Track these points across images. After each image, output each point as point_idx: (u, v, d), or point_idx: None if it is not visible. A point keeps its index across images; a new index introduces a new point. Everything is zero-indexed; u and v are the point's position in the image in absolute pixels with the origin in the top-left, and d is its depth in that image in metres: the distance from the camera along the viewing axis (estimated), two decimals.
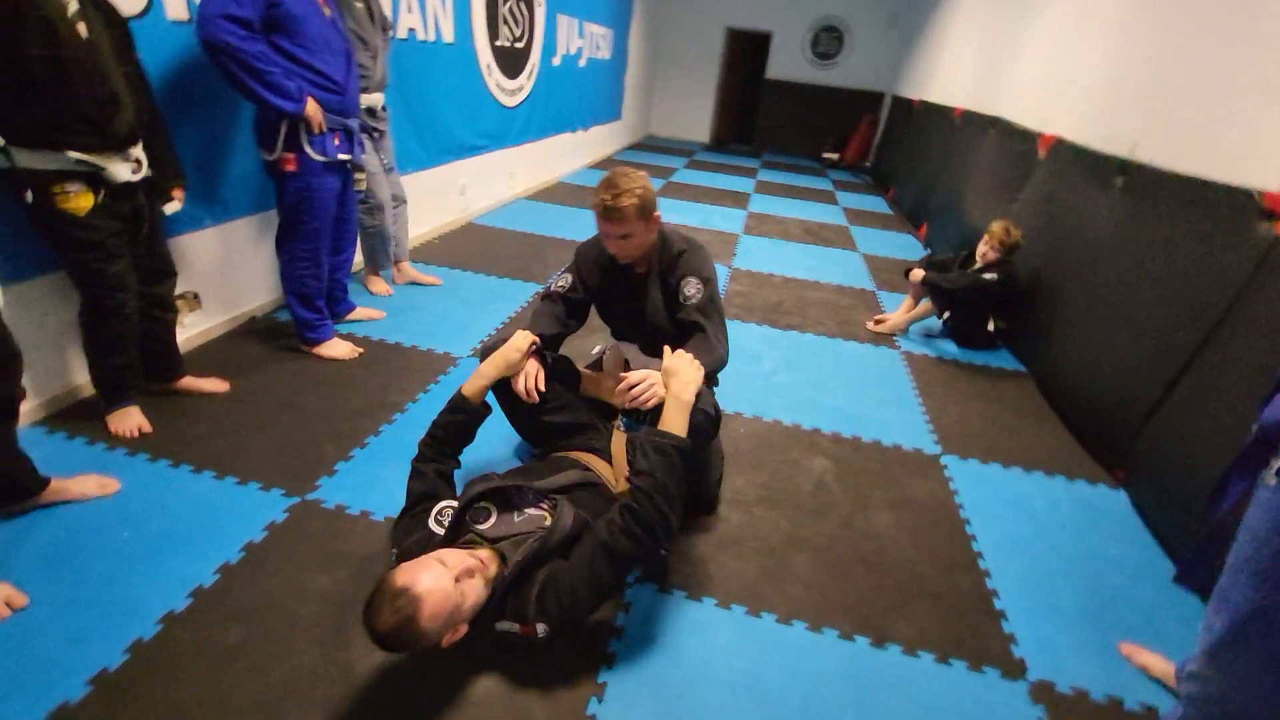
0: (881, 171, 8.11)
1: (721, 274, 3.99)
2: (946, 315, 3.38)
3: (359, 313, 2.85)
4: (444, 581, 1.17)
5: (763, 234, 5.19)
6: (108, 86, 1.62)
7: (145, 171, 1.80)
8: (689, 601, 1.61)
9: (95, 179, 1.67)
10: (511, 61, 4.85)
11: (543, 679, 1.37)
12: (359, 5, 2.57)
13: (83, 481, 1.70)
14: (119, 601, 1.42)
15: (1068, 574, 1.84)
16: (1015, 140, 3.91)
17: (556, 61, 5.72)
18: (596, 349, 2.23)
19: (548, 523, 1.39)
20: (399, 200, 3.10)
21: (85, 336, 1.85)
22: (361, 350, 2.59)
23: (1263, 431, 1.10)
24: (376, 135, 2.82)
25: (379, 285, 3.16)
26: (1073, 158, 3.13)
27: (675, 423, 1.42)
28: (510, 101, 4.95)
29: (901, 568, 1.80)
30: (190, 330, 2.48)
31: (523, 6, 4.86)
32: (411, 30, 3.53)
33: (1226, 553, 1.13)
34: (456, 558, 1.24)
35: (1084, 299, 2.73)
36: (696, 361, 1.52)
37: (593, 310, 2.01)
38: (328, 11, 2.21)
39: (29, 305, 1.89)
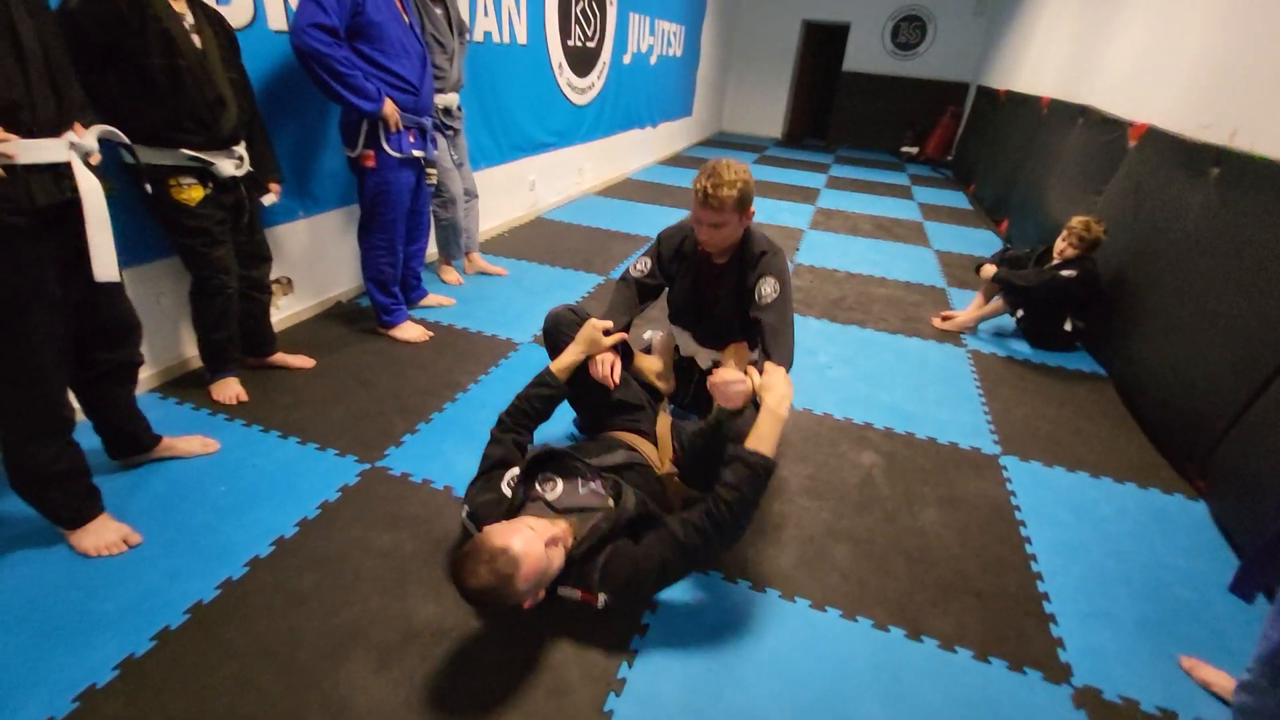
0: (963, 165, 7.75)
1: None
2: (1020, 314, 3.24)
3: (431, 299, 3.04)
4: (536, 546, 1.26)
5: (830, 229, 5.10)
6: (216, 91, 1.83)
7: (247, 167, 2.00)
8: (723, 582, 1.66)
9: (204, 173, 1.89)
10: (582, 60, 4.98)
11: (576, 643, 1.45)
12: (438, 11, 2.74)
13: (188, 441, 1.93)
14: (214, 545, 1.62)
15: (1128, 582, 1.75)
16: (1103, 129, 3.68)
17: (627, 60, 5.81)
18: (647, 334, 2.29)
19: (609, 503, 1.47)
20: (471, 195, 3.27)
21: (193, 313, 2.09)
22: (432, 334, 2.77)
23: None
24: (451, 133, 2.99)
25: (450, 274, 3.35)
26: (1164, 147, 2.92)
27: (768, 438, 1.43)
28: (580, 100, 5.09)
29: (945, 564, 1.77)
30: (284, 312, 2.73)
31: (594, 6, 4.98)
32: (487, 33, 3.71)
33: None
34: (543, 525, 1.33)
35: (1169, 297, 2.55)
36: (788, 378, 1.55)
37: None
38: (406, 18, 2.37)
39: (148, 285, 2.15)
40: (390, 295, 2.67)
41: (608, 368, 1.76)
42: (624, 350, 1.99)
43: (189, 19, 1.77)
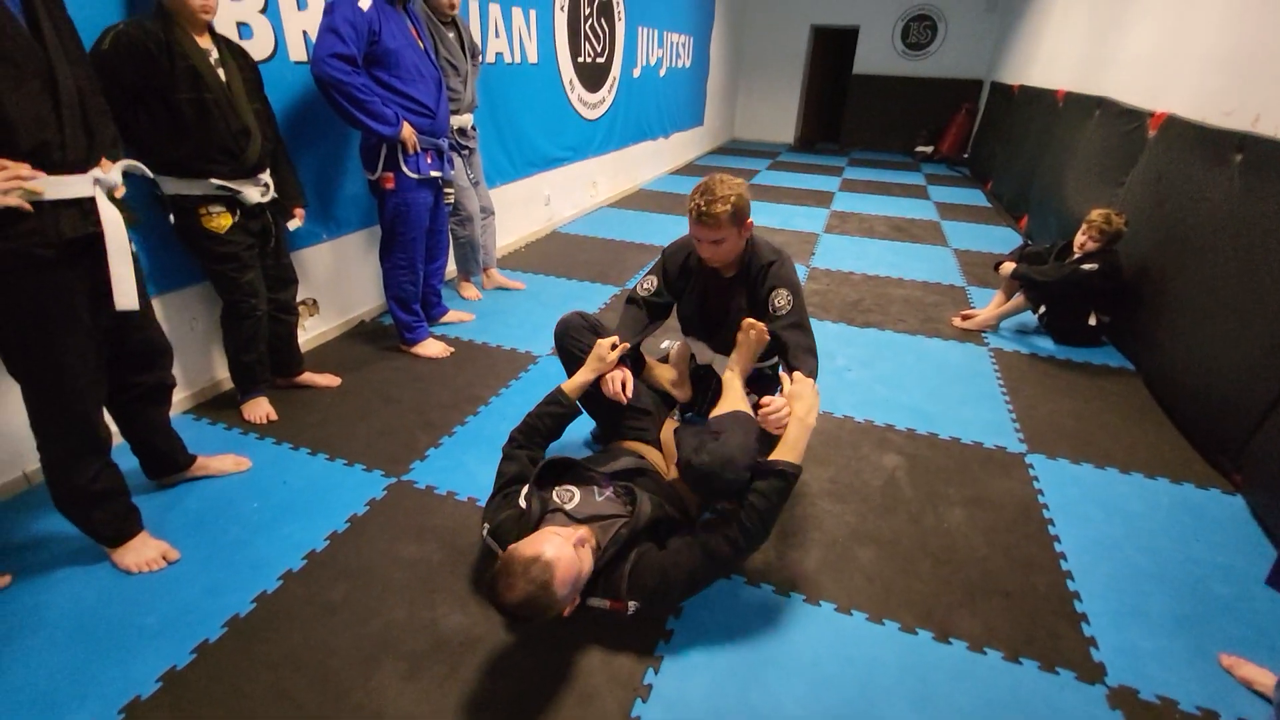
0: (980, 162, 7.67)
1: (799, 273, 3.97)
2: (1042, 310, 3.19)
3: (451, 316, 3.10)
4: (566, 550, 1.28)
5: (844, 232, 5.08)
6: (241, 122, 1.90)
7: (272, 194, 2.08)
8: (747, 587, 1.66)
9: (232, 201, 1.96)
10: (593, 76, 5.06)
11: (603, 650, 1.46)
12: (451, 35, 2.81)
13: (222, 460, 1.99)
14: (248, 560, 1.67)
15: (1162, 580, 1.72)
16: (1122, 120, 3.62)
17: (637, 73, 5.88)
18: (665, 344, 2.31)
19: (626, 509, 1.49)
20: (487, 212, 3.33)
21: (224, 336, 2.16)
22: (453, 350, 2.82)
23: None
24: (466, 153, 3.06)
25: (469, 290, 3.41)
26: (1186, 135, 2.87)
27: (796, 446, 1.49)
28: (592, 114, 5.16)
29: (972, 565, 1.75)
30: (310, 332, 2.81)
31: (604, 22, 5.06)
32: (499, 54, 3.79)
33: None
34: (567, 530, 1.36)
35: (1197, 287, 2.50)
36: (816, 387, 1.60)
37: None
38: (421, 44, 2.45)
39: (181, 311, 2.23)
40: (412, 313, 2.73)
41: (618, 385, 1.79)
42: (637, 360, 2.01)
43: (214, 54, 1.85)
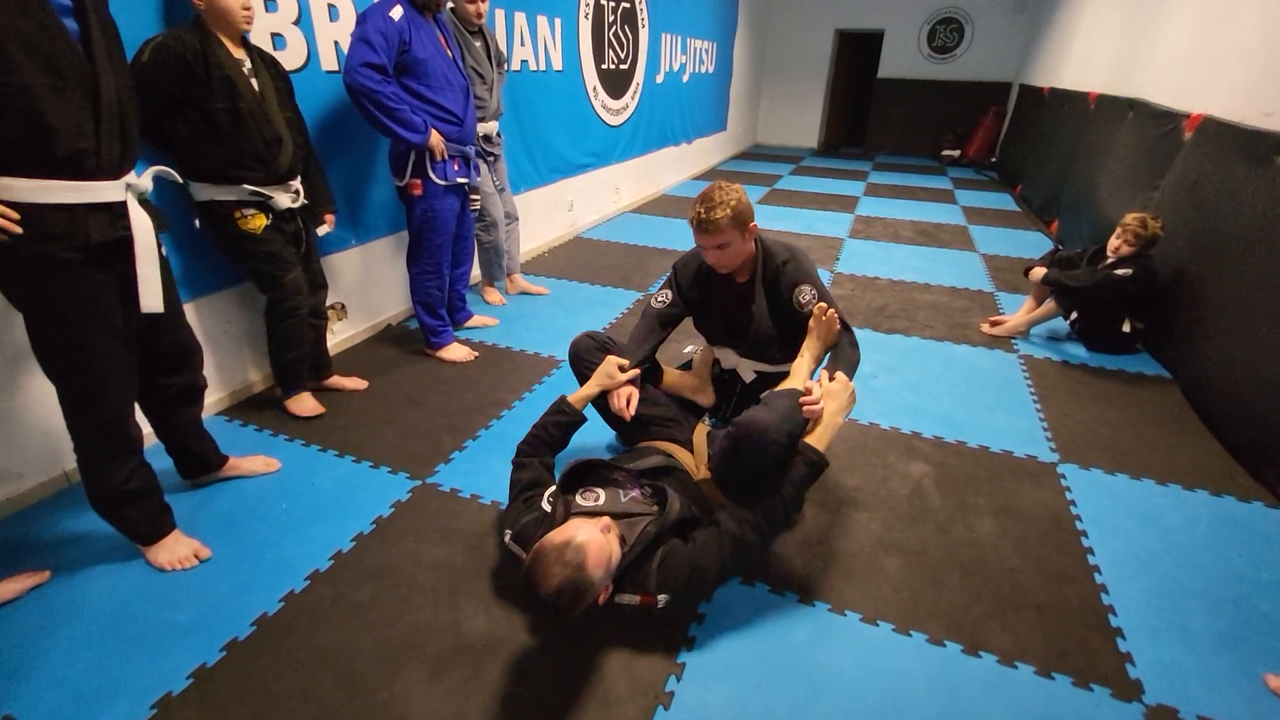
0: (1008, 166, 7.54)
1: (823, 278, 3.93)
2: (1074, 316, 3.12)
3: (476, 320, 3.13)
4: (595, 534, 1.30)
5: (869, 237, 5.03)
6: (274, 130, 1.95)
7: (302, 200, 2.12)
8: (771, 595, 1.64)
9: (264, 206, 2.00)
10: (616, 82, 5.08)
11: (625, 656, 1.45)
12: (478, 44, 2.85)
13: (252, 461, 2.03)
14: (277, 559, 1.69)
15: (1203, 595, 1.66)
16: (1156, 122, 3.53)
17: (660, 79, 5.90)
18: (689, 348, 2.31)
19: (653, 509, 1.50)
20: (512, 218, 3.36)
21: (268, 334, 2.21)
22: (477, 354, 2.85)
23: None
24: (492, 159, 3.09)
25: (494, 295, 3.44)
26: (1223, 137, 2.79)
27: (824, 439, 1.56)
28: (615, 120, 5.18)
29: (1002, 577, 1.71)
30: (338, 336, 2.85)
31: (627, 30, 5.08)
32: (524, 62, 3.83)
33: None
34: (593, 518, 1.38)
35: (1236, 292, 2.43)
36: (852, 387, 1.65)
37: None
38: (449, 53, 2.48)
39: (216, 314, 2.29)
40: (438, 318, 2.76)
41: (624, 400, 1.81)
42: (653, 370, 2.01)
43: (247, 64, 1.90)
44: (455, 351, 2.80)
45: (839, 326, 1.80)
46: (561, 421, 1.77)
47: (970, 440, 2.32)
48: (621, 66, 5.12)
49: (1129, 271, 2.82)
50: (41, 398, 1.80)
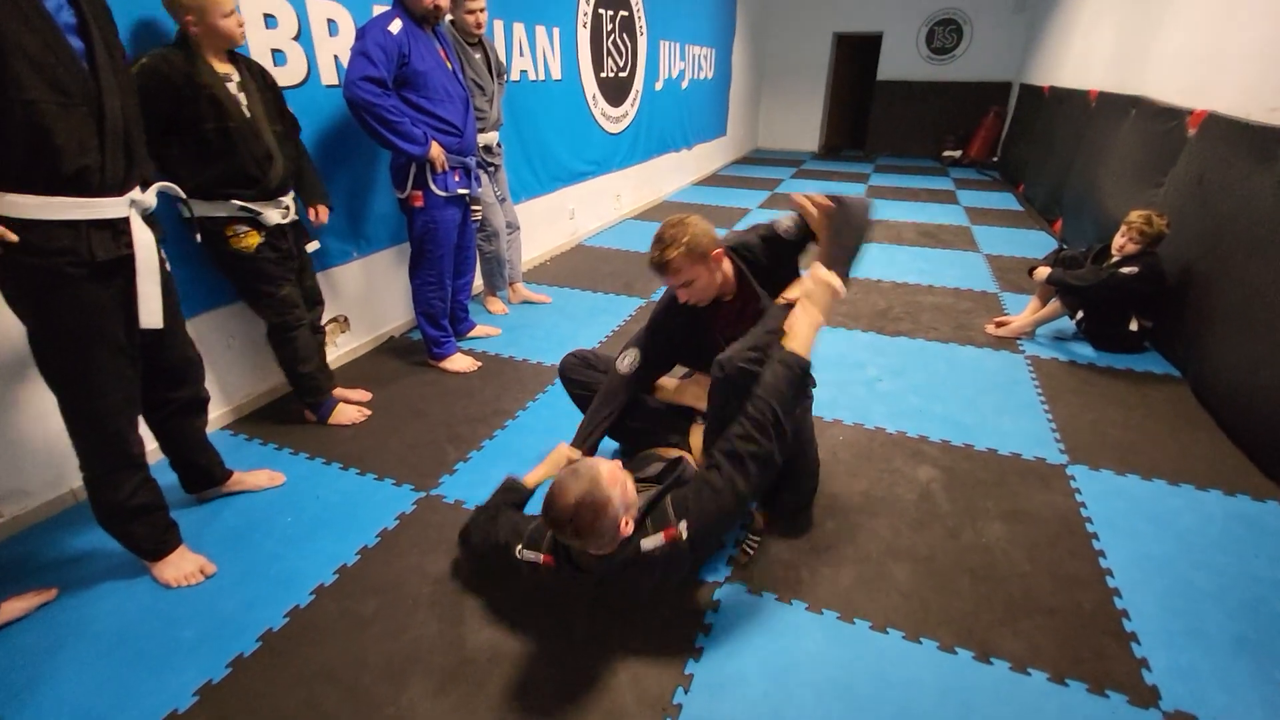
0: (1010, 166, 7.52)
1: None
2: (1080, 316, 3.10)
3: (478, 330, 3.13)
4: (610, 462, 1.33)
5: (870, 239, 5.01)
6: (264, 147, 1.93)
7: (293, 216, 2.11)
8: (778, 604, 1.62)
9: (255, 222, 2.00)
10: (615, 90, 5.10)
11: (632, 667, 1.44)
12: (477, 56, 2.86)
13: (257, 475, 2.02)
14: (282, 574, 1.69)
15: (1219, 598, 1.63)
16: (1159, 119, 3.52)
17: (659, 86, 5.91)
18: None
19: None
20: (513, 227, 3.37)
21: (276, 354, 2.21)
22: (480, 364, 2.85)
23: None
24: (492, 169, 3.10)
25: (496, 305, 3.45)
26: (1228, 133, 2.77)
27: (802, 338, 1.50)
28: (615, 128, 5.19)
29: (1013, 581, 1.69)
30: (341, 349, 2.86)
31: (625, 38, 5.10)
32: (524, 72, 3.85)
33: None
34: None
35: (1245, 289, 2.40)
36: (836, 283, 1.55)
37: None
38: (449, 64, 2.49)
39: (218, 329, 2.29)
40: (440, 328, 2.76)
41: None
42: (649, 377, 1.95)
43: (234, 78, 1.88)
44: (458, 362, 2.80)
45: (829, 203, 1.68)
46: (513, 500, 1.69)
47: (978, 443, 2.30)
48: (620, 74, 5.13)
49: (1135, 270, 2.80)
50: (48, 417, 1.80)
